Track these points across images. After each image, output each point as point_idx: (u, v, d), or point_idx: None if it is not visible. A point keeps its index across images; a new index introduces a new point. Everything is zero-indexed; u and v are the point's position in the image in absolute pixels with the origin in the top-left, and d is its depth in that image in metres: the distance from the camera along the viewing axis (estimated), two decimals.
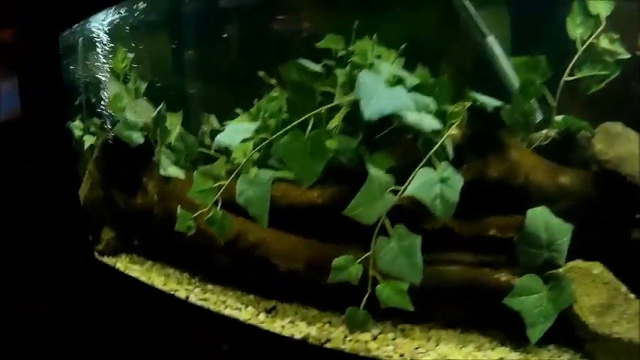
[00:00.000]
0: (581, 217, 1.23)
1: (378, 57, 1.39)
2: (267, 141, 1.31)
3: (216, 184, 1.36)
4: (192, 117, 1.92)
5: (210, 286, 1.61)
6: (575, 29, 1.32)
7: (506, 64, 1.42)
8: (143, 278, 1.65)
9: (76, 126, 1.97)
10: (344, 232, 1.34)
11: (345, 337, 1.35)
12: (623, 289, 1.19)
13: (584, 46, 1.33)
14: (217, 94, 1.98)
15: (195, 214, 1.41)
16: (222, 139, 1.33)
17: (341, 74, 1.38)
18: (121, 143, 1.72)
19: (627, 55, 1.31)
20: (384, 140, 1.35)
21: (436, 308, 1.32)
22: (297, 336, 1.36)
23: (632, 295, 1.19)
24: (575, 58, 1.33)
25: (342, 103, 1.35)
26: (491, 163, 1.30)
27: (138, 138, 1.71)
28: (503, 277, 1.27)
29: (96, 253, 1.78)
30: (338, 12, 1.65)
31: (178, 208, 1.44)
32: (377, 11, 1.57)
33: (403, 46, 1.43)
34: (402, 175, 1.24)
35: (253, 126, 1.33)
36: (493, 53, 1.43)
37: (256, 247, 1.45)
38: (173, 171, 1.68)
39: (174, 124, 1.78)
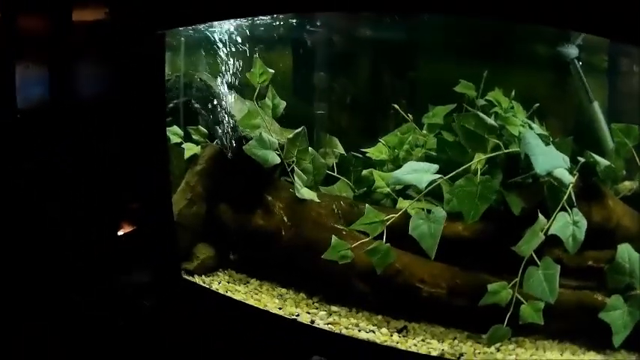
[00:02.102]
0: None
1: (512, 108, 1.63)
2: (440, 180, 1.46)
3: (386, 217, 1.47)
4: (314, 137, 1.89)
5: (334, 308, 1.64)
6: None
7: (604, 126, 1.76)
8: (251, 301, 1.62)
9: (173, 132, 1.79)
10: (484, 261, 1.58)
11: (475, 350, 1.57)
12: None
13: None
14: (342, 119, 1.98)
15: (355, 244, 1.49)
16: (402, 177, 1.44)
17: None
18: (240, 158, 1.65)
19: None
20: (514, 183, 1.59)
21: (546, 323, 1.61)
22: (434, 353, 1.55)
23: None
24: None
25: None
26: (594, 209, 1.62)
27: (274, 158, 1.65)
28: (599, 297, 1.61)
29: (183, 272, 1.68)
30: (466, 61, 1.83)
31: (333, 237, 1.50)
32: (504, 65, 1.78)
33: (536, 105, 1.69)
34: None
35: (431, 166, 1.47)
36: (597, 116, 1.76)
37: (400, 273, 1.59)
38: (307, 193, 1.65)
39: None
